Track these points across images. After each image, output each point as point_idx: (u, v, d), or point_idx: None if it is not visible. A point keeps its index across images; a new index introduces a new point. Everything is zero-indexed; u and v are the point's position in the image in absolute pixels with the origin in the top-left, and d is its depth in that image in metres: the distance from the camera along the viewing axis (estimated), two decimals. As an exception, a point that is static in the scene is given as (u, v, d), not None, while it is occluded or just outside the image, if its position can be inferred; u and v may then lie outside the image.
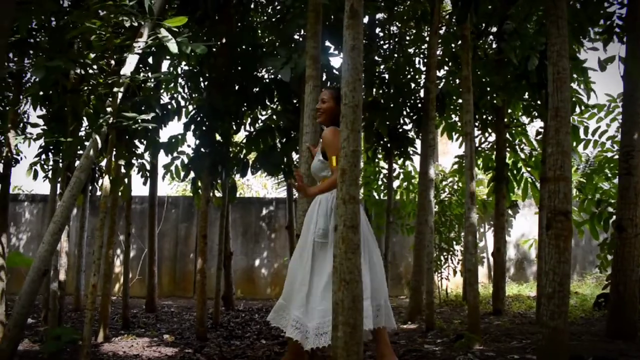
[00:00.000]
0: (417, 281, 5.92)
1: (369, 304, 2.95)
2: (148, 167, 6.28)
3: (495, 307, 6.36)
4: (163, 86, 6.64)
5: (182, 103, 6.46)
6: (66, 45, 4.01)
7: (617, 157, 6.18)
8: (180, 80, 6.67)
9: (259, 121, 6.52)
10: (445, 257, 8.04)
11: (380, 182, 8.29)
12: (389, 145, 7.05)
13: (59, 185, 5.46)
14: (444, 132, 7.60)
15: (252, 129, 6.16)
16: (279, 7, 5.81)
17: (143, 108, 4.84)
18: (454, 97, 6.97)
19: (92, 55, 3.98)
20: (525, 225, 10.03)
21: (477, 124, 6.93)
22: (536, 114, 6.51)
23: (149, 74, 4.61)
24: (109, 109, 3.72)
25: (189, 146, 9.86)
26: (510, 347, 4.16)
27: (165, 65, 6.81)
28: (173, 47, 3.50)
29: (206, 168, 5.32)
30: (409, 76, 6.73)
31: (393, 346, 3.72)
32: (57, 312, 4.76)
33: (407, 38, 7.21)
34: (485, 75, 6.24)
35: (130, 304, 5.98)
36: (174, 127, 45.01)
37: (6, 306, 4.90)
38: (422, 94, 6.61)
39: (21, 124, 6.36)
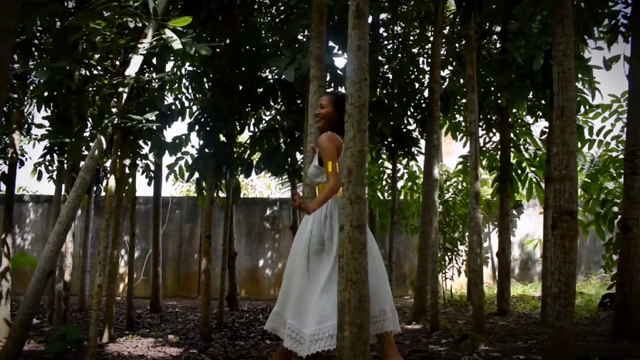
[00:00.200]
0: (421, 281, 5.91)
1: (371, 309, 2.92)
2: (152, 167, 6.30)
3: (500, 307, 6.34)
4: (167, 87, 6.65)
5: (186, 104, 6.47)
6: (71, 46, 4.02)
7: (622, 156, 6.16)
8: (184, 80, 6.68)
9: (263, 121, 6.53)
10: (450, 257, 8.02)
11: (384, 182, 8.28)
12: (392, 145, 7.04)
13: (63, 185, 5.48)
14: (448, 132, 7.58)
15: (256, 130, 6.16)
16: (282, 8, 5.81)
17: (147, 109, 4.85)
18: (458, 97, 6.96)
19: (96, 56, 3.99)
20: (529, 225, 10.01)
21: (481, 123, 6.91)
22: (540, 114, 6.49)
23: (153, 74, 4.61)
24: (114, 110, 3.72)
25: (193, 147, 9.84)
26: (515, 348, 4.14)
27: (169, 66, 6.83)
28: (177, 44, 3.51)
29: (210, 168, 5.32)
30: (412, 76, 6.72)
31: (398, 346, 3.71)
32: (62, 312, 4.78)
33: (411, 38, 7.20)
34: (490, 75, 6.22)
35: (134, 305, 5.99)
36: (177, 128, 45.09)
37: (11, 306, 4.93)
38: (426, 93, 6.60)
39: (26, 125, 6.39)
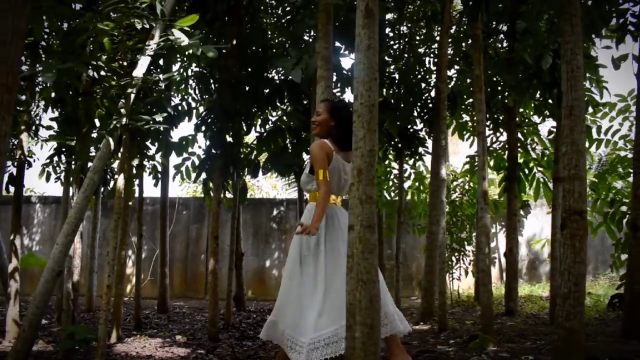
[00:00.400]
0: (429, 282, 5.89)
1: None
2: (159, 168, 6.32)
3: (507, 307, 6.32)
4: (174, 88, 6.67)
5: (193, 104, 6.49)
6: (78, 48, 4.03)
7: (630, 155, 6.12)
8: (190, 81, 6.69)
9: (270, 122, 6.54)
10: (457, 257, 8.00)
11: (391, 183, 8.27)
12: (399, 145, 7.03)
13: (71, 187, 5.50)
14: (454, 132, 7.56)
15: (263, 130, 6.17)
16: (288, 8, 5.81)
17: (154, 110, 4.87)
18: (465, 97, 6.94)
19: (104, 58, 4.00)
20: (536, 225, 9.97)
21: (488, 123, 6.89)
22: (548, 113, 6.47)
23: (160, 75, 4.62)
24: (122, 111, 3.73)
25: (199, 147, 9.87)
26: (524, 348, 4.13)
27: (175, 67, 6.85)
28: (185, 41, 3.52)
29: (217, 169, 5.33)
30: (419, 76, 6.71)
31: (406, 347, 3.70)
32: (71, 313, 4.79)
33: (418, 38, 7.19)
34: (497, 74, 6.20)
35: (142, 305, 6.00)
36: (184, 129, 45.18)
37: (20, 307, 4.95)
38: (432, 93, 6.58)
39: (34, 127, 6.42)
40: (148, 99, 4.96)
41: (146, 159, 5.70)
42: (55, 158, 5.79)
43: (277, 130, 5.69)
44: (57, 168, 6.10)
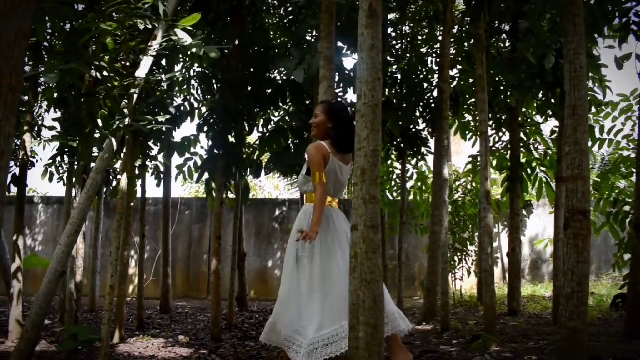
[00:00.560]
0: (431, 282, 5.89)
1: None
2: (162, 169, 6.32)
3: (510, 307, 6.31)
4: (176, 88, 6.68)
5: (195, 105, 6.49)
6: (81, 48, 4.04)
7: (633, 155, 6.11)
8: (193, 82, 6.70)
9: (272, 122, 6.54)
10: (460, 257, 7.99)
11: (393, 183, 8.26)
12: (402, 145, 7.02)
13: (74, 187, 5.51)
14: (457, 132, 7.56)
15: (265, 130, 6.17)
16: (291, 9, 5.81)
17: (157, 110, 4.87)
18: (467, 97, 6.93)
19: (107, 58, 4.00)
20: (539, 225, 9.95)
21: (491, 123, 6.88)
22: (550, 113, 6.45)
23: (163, 76, 4.63)
24: (125, 111, 3.73)
25: (202, 147, 9.92)
26: (527, 348, 4.12)
27: (177, 68, 6.85)
28: (188, 41, 3.53)
29: (220, 169, 5.33)
30: (421, 76, 6.70)
31: (408, 347, 3.70)
32: (74, 313, 4.80)
33: (420, 38, 7.19)
34: (499, 74, 6.19)
35: (144, 305, 6.01)
36: (186, 129, 45.23)
37: (23, 307, 4.96)
38: (435, 93, 6.58)
39: (36, 127, 6.43)
40: (151, 99, 4.97)
41: (149, 160, 5.71)
42: (58, 159, 5.80)
43: (280, 130, 5.69)
44: (60, 168, 6.11)
